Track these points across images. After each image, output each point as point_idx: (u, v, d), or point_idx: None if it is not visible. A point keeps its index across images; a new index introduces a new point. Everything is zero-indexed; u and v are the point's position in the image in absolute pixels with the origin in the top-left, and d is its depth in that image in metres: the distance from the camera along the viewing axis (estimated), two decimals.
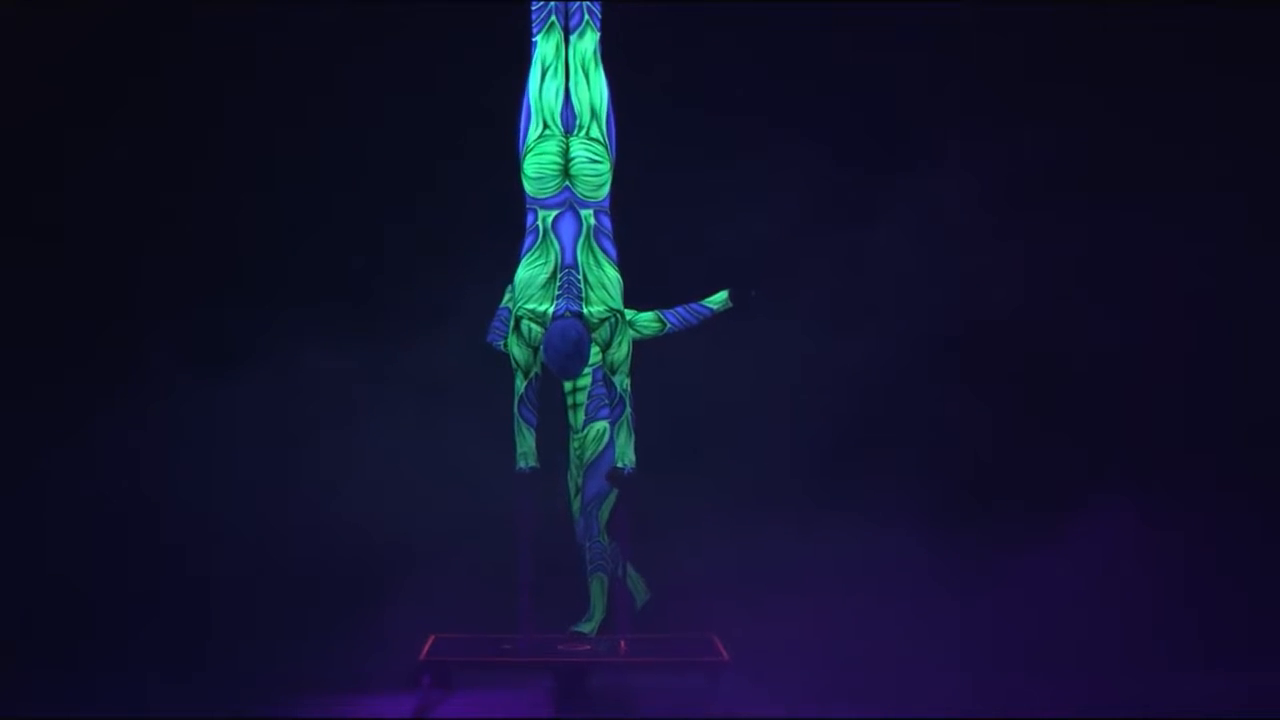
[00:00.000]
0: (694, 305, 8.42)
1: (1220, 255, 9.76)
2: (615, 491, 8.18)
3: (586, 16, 7.93)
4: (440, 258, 9.61)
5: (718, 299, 8.44)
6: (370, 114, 9.72)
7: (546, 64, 7.90)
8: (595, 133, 7.86)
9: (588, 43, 7.92)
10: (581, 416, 8.36)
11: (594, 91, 7.91)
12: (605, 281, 7.83)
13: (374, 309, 9.73)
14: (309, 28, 9.61)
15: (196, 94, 9.67)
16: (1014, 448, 9.77)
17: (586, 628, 8.32)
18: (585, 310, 7.79)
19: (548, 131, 7.85)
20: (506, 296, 8.34)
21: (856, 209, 9.74)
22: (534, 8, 7.97)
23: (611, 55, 8.74)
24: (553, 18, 7.92)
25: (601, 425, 8.34)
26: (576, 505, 8.42)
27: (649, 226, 9.49)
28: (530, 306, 7.80)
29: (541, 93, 7.88)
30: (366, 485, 9.49)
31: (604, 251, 7.85)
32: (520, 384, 7.85)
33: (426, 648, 7.99)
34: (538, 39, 7.95)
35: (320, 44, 9.64)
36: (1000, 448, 9.77)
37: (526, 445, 7.85)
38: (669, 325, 8.38)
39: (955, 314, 9.76)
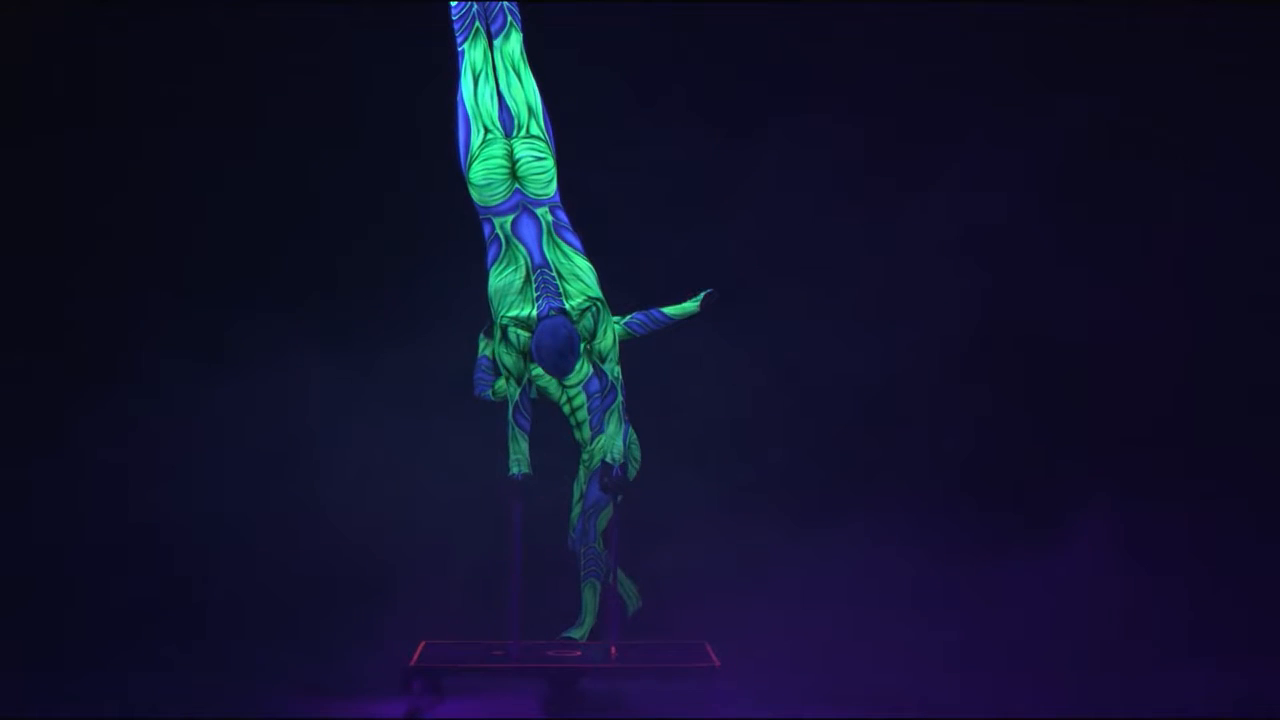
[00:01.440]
0: (652, 311, 8.45)
1: (1220, 255, 9.79)
2: (618, 499, 8.22)
3: (509, 17, 7.92)
4: (432, 260, 9.60)
5: (680, 308, 8.46)
6: (360, 113, 9.72)
7: (477, 70, 7.89)
8: (535, 130, 7.87)
9: (513, 43, 7.92)
10: (588, 432, 8.37)
11: (527, 90, 7.91)
12: (578, 272, 7.84)
13: (366, 312, 9.72)
14: (298, 26, 9.60)
15: (177, 93, 9.66)
16: (1011, 451, 9.79)
17: (577, 633, 8.35)
18: (567, 305, 7.79)
19: (490, 136, 7.85)
20: (483, 345, 8.39)
21: (856, 213, 9.75)
22: (455, 18, 7.94)
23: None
24: (476, 23, 7.92)
25: None
26: (576, 512, 8.43)
27: (648, 224, 9.53)
28: (513, 314, 7.80)
29: (477, 99, 7.88)
30: (358, 491, 9.49)
31: (568, 244, 7.85)
32: (513, 391, 7.85)
33: (417, 653, 7.98)
34: (464, 47, 7.92)
35: (310, 43, 9.64)
36: (998, 451, 9.79)
37: (520, 451, 7.85)
38: (633, 334, 8.40)
39: (957, 319, 9.77)
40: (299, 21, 9.63)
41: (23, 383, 9.60)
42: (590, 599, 8.35)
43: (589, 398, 8.30)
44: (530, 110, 7.89)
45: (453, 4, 7.97)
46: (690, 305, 8.49)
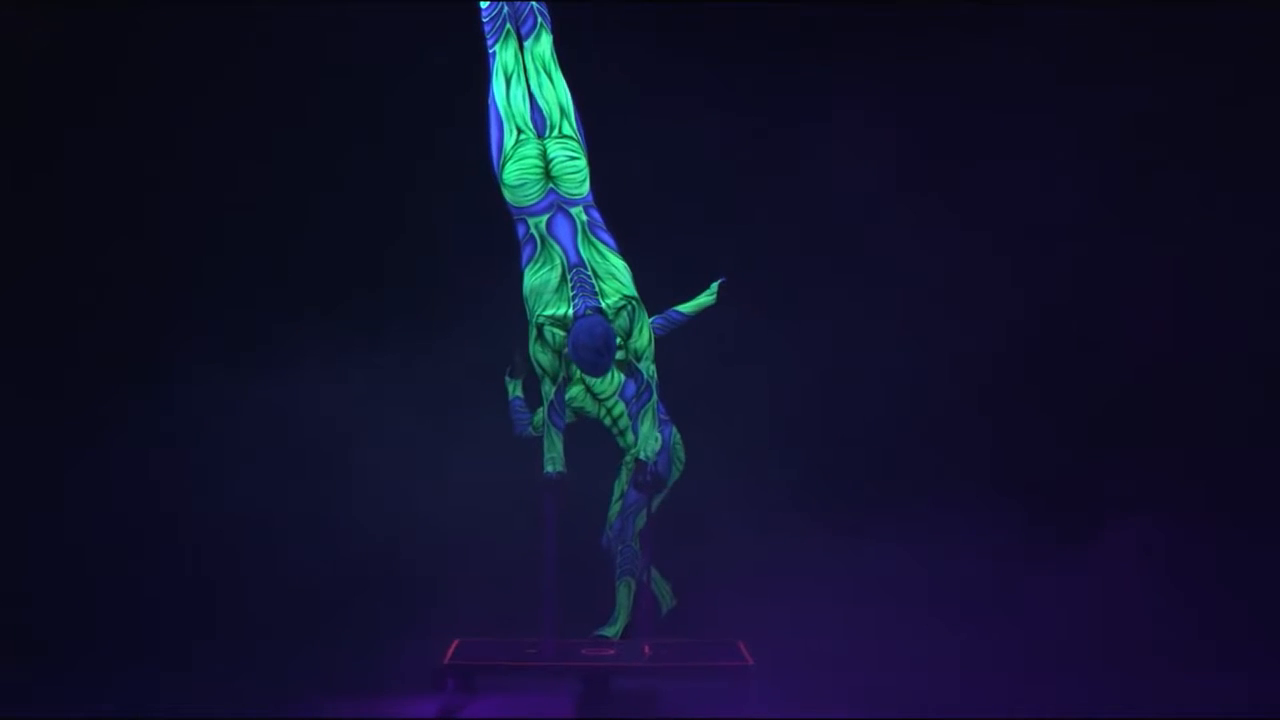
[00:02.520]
0: (669, 312, 8.50)
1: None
2: (660, 498, 8.23)
3: (538, 19, 7.94)
4: (462, 259, 9.58)
5: (697, 303, 8.47)
6: (386, 114, 9.72)
7: (508, 72, 7.90)
8: (567, 130, 7.89)
9: (544, 44, 7.94)
10: (630, 437, 8.38)
11: (558, 90, 7.93)
12: (614, 271, 7.84)
13: (397, 312, 9.70)
14: (325, 26, 9.60)
15: (205, 96, 9.66)
16: (1050, 456, 9.74)
17: (610, 631, 8.34)
18: (603, 304, 7.78)
19: (523, 136, 7.86)
20: (511, 387, 8.39)
21: (897, 216, 9.70)
22: (485, 20, 7.95)
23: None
24: (507, 25, 7.92)
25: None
26: (615, 510, 8.43)
27: (692, 219, 9.51)
28: (549, 313, 7.79)
29: (510, 100, 7.89)
30: (393, 489, 9.48)
31: (603, 243, 7.85)
32: (548, 390, 7.84)
33: (451, 651, 7.98)
34: (495, 49, 7.93)
35: (339, 45, 9.63)
36: (1036, 455, 9.74)
37: (555, 450, 7.85)
38: (655, 337, 8.42)
39: (996, 324, 9.72)
40: (326, 21, 9.61)
41: (52, 385, 9.59)
42: (625, 597, 8.35)
43: (627, 404, 8.30)
44: (562, 110, 7.90)
45: (483, 6, 7.97)
46: (705, 298, 8.55)
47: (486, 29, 7.97)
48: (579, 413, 8.32)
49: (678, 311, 8.52)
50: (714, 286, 8.55)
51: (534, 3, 7.96)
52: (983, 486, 9.68)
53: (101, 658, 8.78)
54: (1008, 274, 9.77)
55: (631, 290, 7.85)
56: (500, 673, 7.90)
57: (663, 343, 8.23)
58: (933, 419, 9.77)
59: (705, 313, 8.65)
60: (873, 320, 9.73)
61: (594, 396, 8.30)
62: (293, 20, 9.57)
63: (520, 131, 7.87)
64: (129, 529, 9.50)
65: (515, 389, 8.47)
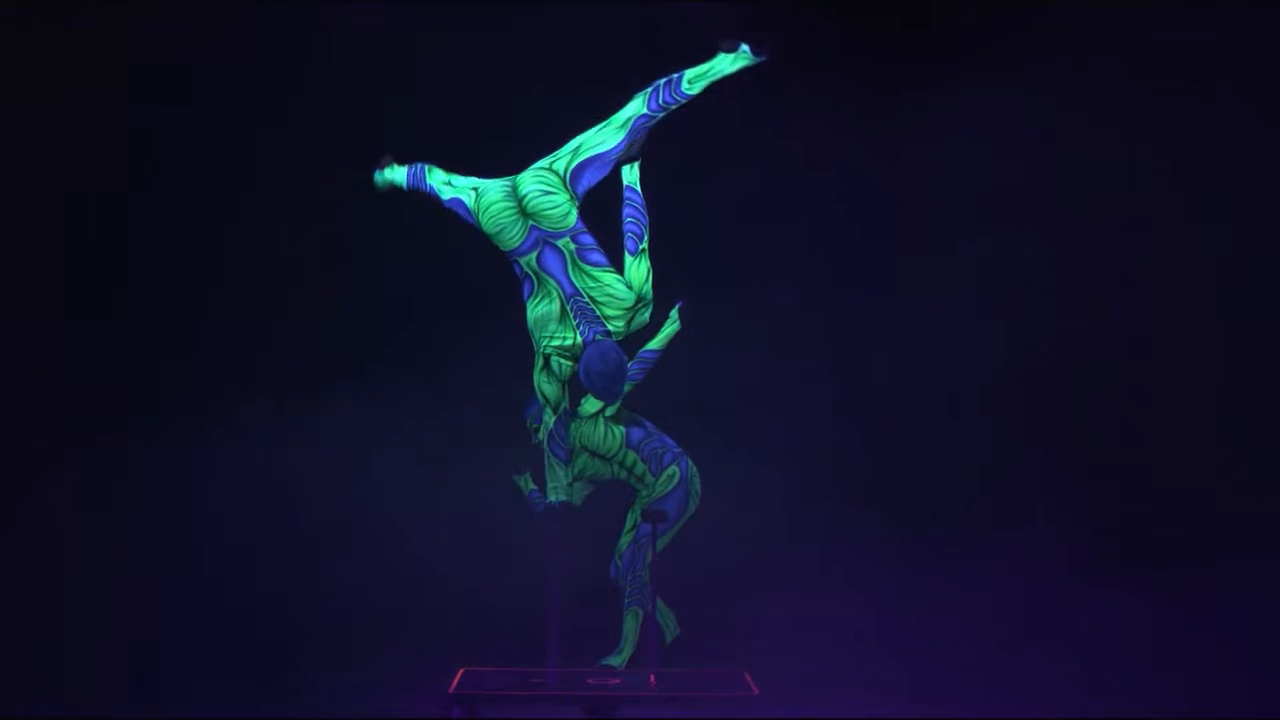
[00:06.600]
0: (641, 353, 8.48)
1: None
2: (673, 530, 8.24)
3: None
4: (470, 298, 9.61)
5: (663, 335, 8.48)
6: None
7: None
8: (543, 162, 7.80)
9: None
10: (650, 478, 8.41)
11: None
12: (610, 292, 7.73)
13: (407, 345, 9.73)
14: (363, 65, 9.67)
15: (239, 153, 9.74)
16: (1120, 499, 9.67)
17: (616, 661, 8.35)
18: (609, 327, 7.74)
19: (480, 189, 7.78)
20: (522, 484, 8.41)
21: (932, 238, 9.67)
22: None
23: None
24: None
25: (672, 469, 8.39)
26: (626, 540, 8.44)
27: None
28: (556, 343, 7.77)
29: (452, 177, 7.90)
30: (397, 518, 9.50)
31: (595, 266, 7.72)
32: (550, 419, 7.84)
33: (456, 680, 7.99)
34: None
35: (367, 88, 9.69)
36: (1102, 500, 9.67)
37: (558, 479, 7.85)
38: (636, 383, 8.45)
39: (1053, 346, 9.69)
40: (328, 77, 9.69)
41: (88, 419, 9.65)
42: (631, 627, 8.35)
43: (638, 449, 8.33)
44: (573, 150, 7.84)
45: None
46: (670, 328, 8.54)
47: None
48: (594, 480, 8.41)
49: (649, 350, 8.52)
50: (674, 313, 8.54)
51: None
52: (1009, 520, 9.60)
53: (105, 694, 8.81)
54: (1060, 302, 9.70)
55: (630, 300, 7.76)
56: (505, 702, 7.90)
57: (676, 372, 8.25)
58: (953, 446, 9.70)
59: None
60: (898, 346, 9.69)
61: (601, 458, 8.37)
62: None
63: (475, 188, 7.85)
64: (134, 560, 9.54)
65: (526, 483, 8.50)
